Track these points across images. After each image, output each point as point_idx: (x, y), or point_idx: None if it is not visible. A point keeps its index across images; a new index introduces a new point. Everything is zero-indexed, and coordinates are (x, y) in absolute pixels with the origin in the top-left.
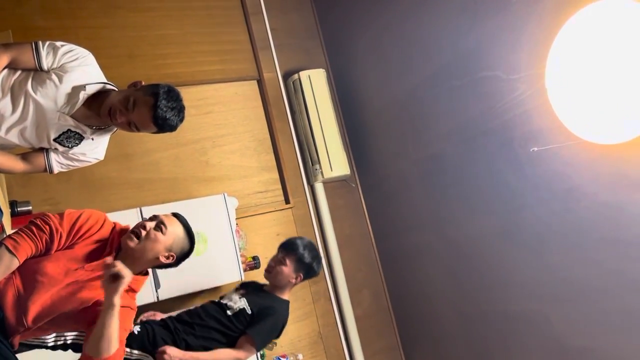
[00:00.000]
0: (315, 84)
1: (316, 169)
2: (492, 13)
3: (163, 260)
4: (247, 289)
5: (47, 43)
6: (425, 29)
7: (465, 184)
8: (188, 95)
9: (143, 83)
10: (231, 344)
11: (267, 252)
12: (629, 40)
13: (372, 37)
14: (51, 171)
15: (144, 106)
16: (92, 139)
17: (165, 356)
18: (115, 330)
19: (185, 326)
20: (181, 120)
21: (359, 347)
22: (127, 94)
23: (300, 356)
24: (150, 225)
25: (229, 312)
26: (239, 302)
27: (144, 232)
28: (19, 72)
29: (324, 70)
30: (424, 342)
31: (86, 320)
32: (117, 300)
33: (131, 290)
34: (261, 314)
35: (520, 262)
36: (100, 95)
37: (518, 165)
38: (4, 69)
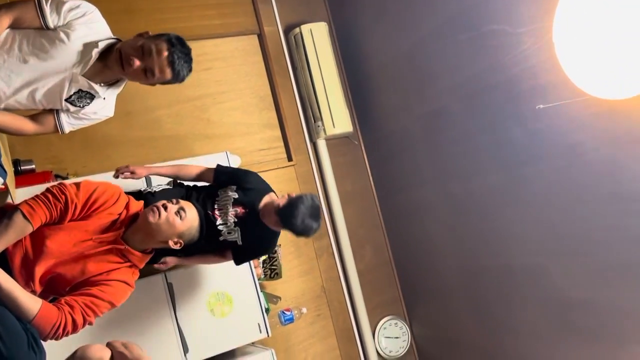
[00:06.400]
0: (317, 38)
1: (318, 126)
2: None
3: (171, 245)
4: (245, 205)
5: (50, 0)
6: None
7: (468, 139)
8: None
9: (150, 33)
10: (217, 251)
11: None
12: None
13: None
14: (62, 131)
15: (161, 51)
16: (104, 98)
17: (162, 265)
18: (16, 296)
19: None
20: (190, 70)
21: (361, 301)
22: (140, 42)
23: (304, 310)
24: (172, 208)
25: (220, 238)
26: (233, 232)
27: (164, 213)
28: (25, 32)
29: (325, 23)
30: (425, 295)
31: (84, 289)
32: None
33: (134, 266)
34: (252, 249)
35: (521, 217)
36: (109, 51)
37: (523, 120)
38: (8, 29)
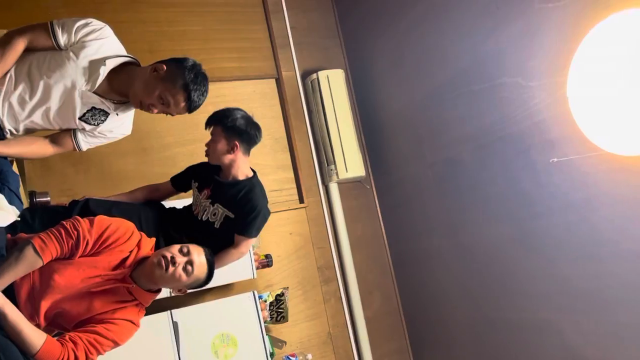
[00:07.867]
0: (334, 84)
1: (331, 170)
2: (513, 18)
3: (174, 292)
4: (207, 184)
5: (62, 21)
6: (445, 32)
7: (480, 189)
8: None
9: (165, 67)
10: (229, 243)
11: (279, 251)
12: None
13: (392, 39)
14: (80, 149)
15: (179, 102)
16: (117, 115)
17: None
18: (20, 329)
19: None
20: (206, 96)
21: (368, 349)
22: (157, 91)
23: (309, 356)
24: (180, 261)
25: (216, 226)
26: (219, 211)
27: (171, 268)
28: (36, 55)
29: (342, 70)
30: (433, 346)
31: (89, 326)
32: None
33: (140, 305)
34: (244, 211)
35: (533, 271)
36: (121, 69)
37: (535, 173)
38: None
